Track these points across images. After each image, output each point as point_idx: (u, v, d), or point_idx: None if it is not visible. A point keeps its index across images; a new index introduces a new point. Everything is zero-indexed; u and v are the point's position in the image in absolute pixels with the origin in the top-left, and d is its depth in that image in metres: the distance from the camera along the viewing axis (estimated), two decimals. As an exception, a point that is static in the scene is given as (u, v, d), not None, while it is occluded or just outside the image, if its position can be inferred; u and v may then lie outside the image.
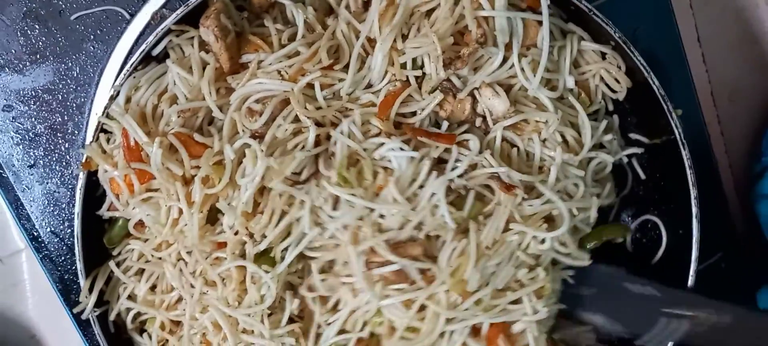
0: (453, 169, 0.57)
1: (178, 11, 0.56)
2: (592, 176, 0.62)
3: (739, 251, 0.73)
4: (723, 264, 0.72)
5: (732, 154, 0.81)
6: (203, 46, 0.57)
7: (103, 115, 0.58)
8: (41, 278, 0.68)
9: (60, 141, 0.66)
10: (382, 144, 0.56)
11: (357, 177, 0.56)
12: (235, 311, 0.57)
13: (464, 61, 0.57)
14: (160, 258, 0.60)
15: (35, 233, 0.67)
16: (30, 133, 0.66)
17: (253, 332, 0.59)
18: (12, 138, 0.66)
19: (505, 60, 0.58)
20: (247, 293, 0.58)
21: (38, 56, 0.65)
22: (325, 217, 0.57)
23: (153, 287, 0.61)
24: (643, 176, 0.66)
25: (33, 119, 0.66)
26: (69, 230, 0.67)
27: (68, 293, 0.67)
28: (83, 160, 0.58)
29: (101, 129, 0.58)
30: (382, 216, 0.57)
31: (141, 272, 0.61)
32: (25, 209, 0.67)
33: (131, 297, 0.62)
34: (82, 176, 0.59)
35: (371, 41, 0.57)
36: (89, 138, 0.59)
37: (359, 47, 0.57)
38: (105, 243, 0.62)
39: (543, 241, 0.58)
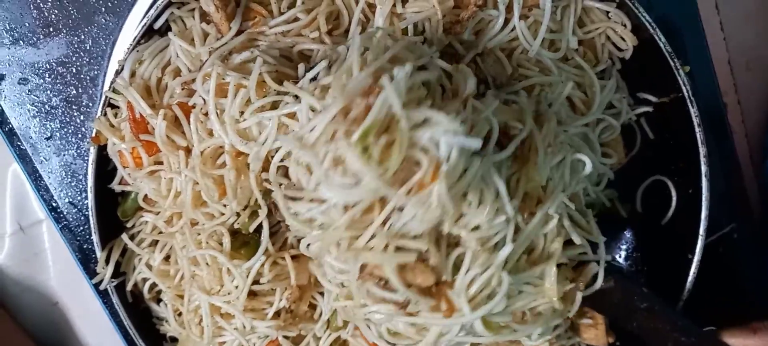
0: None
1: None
2: (599, 137, 0.61)
3: (752, 221, 0.73)
4: (735, 235, 0.71)
5: (749, 124, 0.79)
6: (204, 17, 0.57)
7: (109, 89, 0.58)
8: (62, 247, 0.70)
9: (75, 113, 0.67)
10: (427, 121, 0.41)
11: (383, 153, 0.41)
12: (212, 298, 0.58)
13: (464, 24, 0.56)
14: (172, 231, 0.61)
15: (54, 204, 0.68)
16: (46, 106, 0.67)
17: (234, 316, 0.59)
18: (28, 110, 0.67)
19: (506, 22, 0.57)
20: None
21: (51, 29, 0.65)
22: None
23: (167, 258, 0.62)
24: (651, 136, 0.65)
25: (48, 92, 0.66)
26: (86, 201, 0.67)
27: (87, 262, 0.69)
28: (92, 135, 0.59)
29: (108, 103, 0.59)
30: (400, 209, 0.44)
31: (155, 243, 0.62)
32: (44, 181, 0.68)
33: (148, 267, 0.63)
34: (93, 151, 0.60)
35: (371, 7, 0.57)
36: (99, 111, 0.60)
37: (359, 12, 0.56)
38: (119, 216, 0.63)
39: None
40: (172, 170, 0.57)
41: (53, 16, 0.65)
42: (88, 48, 0.66)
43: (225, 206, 0.56)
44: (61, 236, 0.69)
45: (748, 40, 0.79)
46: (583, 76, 0.60)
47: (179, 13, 0.58)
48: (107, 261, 0.62)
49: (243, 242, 0.57)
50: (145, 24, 0.57)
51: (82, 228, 0.69)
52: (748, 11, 0.79)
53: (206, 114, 0.55)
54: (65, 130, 0.67)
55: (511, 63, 0.58)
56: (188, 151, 0.57)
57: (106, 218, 0.62)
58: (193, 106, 0.56)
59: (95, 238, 0.61)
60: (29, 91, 0.66)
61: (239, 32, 0.57)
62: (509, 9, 0.57)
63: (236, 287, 0.57)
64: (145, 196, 0.61)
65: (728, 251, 0.71)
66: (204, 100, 0.55)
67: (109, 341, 0.73)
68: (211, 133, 0.55)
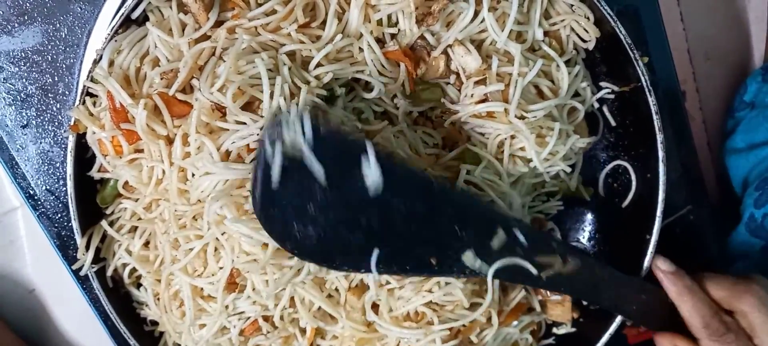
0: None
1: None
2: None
3: (707, 204, 0.77)
4: (692, 216, 0.75)
5: (706, 111, 0.83)
6: (182, 7, 0.58)
7: (87, 78, 0.58)
8: (38, 234, 0.70)
9: (51, 102, 0.67)
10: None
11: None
12: (196, 280, 0.59)
13: (435, 16, 0.58)
14: (152, 217, 0.62)
15: (31, 192, 0.69)
16: (21, 94, 0.67)
17: (214, 298, 0.60)
18: (4, 99, 0.67)
19: (476, 14, 0.58)
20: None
21: (26, 17, 0.65)
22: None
23: (147, 243, 0.63)
24: (613, 123, 0.69)
25: (24, 80, 0.66)
26: (64, 189, 0.68)
27: (66, 249, 0.69)
28: (71, 123, 0.59)
29: (87, 93, 0.59)
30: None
31: (134, 229, 0.63)
32: (21, 169, 0.68)
33: (127, 252, 0.63)
34: (71, 139, 0.60)
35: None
36: (78, 100, 0.60)
37: (336, 4, 0.57)
38: (98, 203, 0.63)
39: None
40: (153, 159, 0.58)
41: (28, 5, 0.65)
42: (63, 36, 0.66)
43: None
44: (39, 224, 0.69)
45: (708, 31, 0.83)
46: (550, 65, 0.63)
47: (157, 3, 0.58)
48: (87, 247, 0.63)
49: None
50: (123, 14, 0.57)
51: (59, 215, 0.69)
52: (707, 3, 0.83)
53: (223, 113, 0.56)
54: (41, 118, 0.67)
55: (481, 54, 0.60)
56: (169, 140, 0.58)
57: (85, 205, 0.62)
58: (191, 105, 0.57)
59: (75, 224, 0.62)
60: (4, 79, 0.66)
61: (217, 23, 0.57)
62: (479, 1, 0.58)
63: (221, 268, 0.58)
64: (125, 183, 0.61)
65: (685, 232, 0.74)
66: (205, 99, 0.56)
67: (87, 327, 0.74)
68: (214, 132, 0.56)
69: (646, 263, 0.65)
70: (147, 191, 0.59)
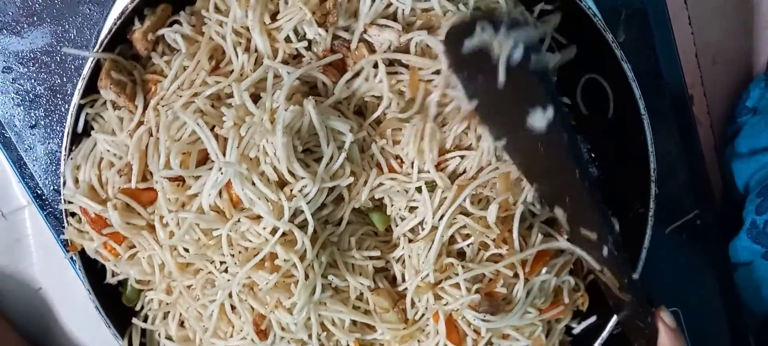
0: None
1: (78, 86, 0.57)
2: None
3: (713, 208, 0.76)
4: (698, 221, 0.75)
5: (714, 115, 0.83)
6: (115, 106, 0.59)
7: (63, 202, 0.60)
8: (44, 233, 0.71)
9: (60, 102, 0.67)
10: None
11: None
12: (229, 341, 0.60)
13: (333, 13, 0.56)
14: (175, 299, 0.62)
15: (39, 192, 0.69)
16: (30, 95, 0.67)
17: None
18: (12, 99, 0.67)
19: None
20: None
21: (35, 18, 0.65)
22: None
23: (182, 323, 0.64)
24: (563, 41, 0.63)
25: (33, 81, 0.67)
26: (72, 189, 0.69)
27: (73, 248, 0.70)
28: (69, 245, 0.61)
29: (69, 213, 0.61)
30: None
31: (166, 314, 0.64)
32: (29, 169, 0.69)
33: (169, 338, 0.64)
34: (77, 257, 0.61)
35: (245, 31, 0.57)
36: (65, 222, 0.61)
37: (231, 43, 0.57)
38: (125, 303, 0.64)
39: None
40: (146, 249, 0.59)
41: (37, 6, 0.65)
42: (72, 37, 0.66)
43: (210, 257, 0.58)
44: (46, 223, 0.70)
45: (715, 35, 0.83)
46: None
47: (94, 111, 0.59)
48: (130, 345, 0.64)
49: None
50: (69, 133, 0.59)
51: (67, 215, 0.70)
52: (715, 7, 0.83)
53: (182, 181, 0.57)
54: (50, 118, 0.68)
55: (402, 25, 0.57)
56: (151, 227, 0.58)
57: (116, 307, 0.63)
58: (155, 190, 0.58)
59: (111, 331, 0.63)
60: (13, 79, 0.67)
61: (146, 106, 0.58)
62: None
63: (244, 322, 0.59)
64: (136, 279, 0.62)
65: (691, 237, 0.74)
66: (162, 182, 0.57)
67: (92, 326, 0.74)
68: (186, 203, 0.57)
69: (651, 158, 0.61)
70: (156, 279, 0.60)
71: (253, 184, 0.54)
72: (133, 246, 0.60)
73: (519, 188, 0.60)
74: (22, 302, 0.76)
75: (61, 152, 0.67)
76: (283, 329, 0.59)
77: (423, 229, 0.61)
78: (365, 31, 0.58)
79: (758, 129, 0.77)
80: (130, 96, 0.57)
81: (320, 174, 0.56)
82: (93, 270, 0.62)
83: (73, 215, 0.61)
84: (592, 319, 0.67)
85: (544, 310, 0.64)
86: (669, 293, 0.75)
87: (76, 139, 0.59)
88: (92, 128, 0.60)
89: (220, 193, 0.56)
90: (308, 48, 0.58)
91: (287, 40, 0.57)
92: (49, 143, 0.68)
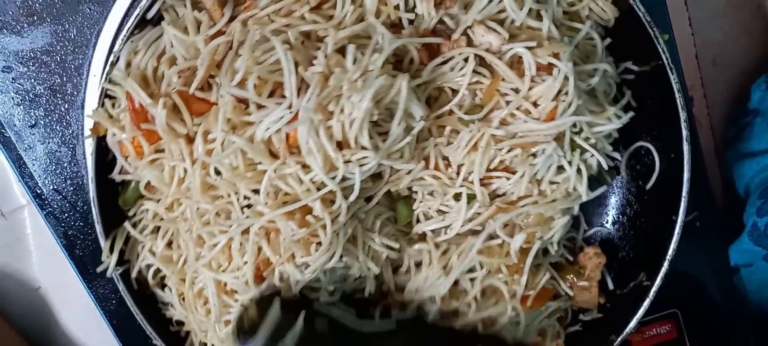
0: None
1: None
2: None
3: (713, 210, 0.76)
4: (698, 223, 0.74)
5: (714, 117, 0.83)
6: (196, 4, 0.58)
7: (105, 80, 0.58)
8: (44, 233, 0.71)
9: (59, 102, 0.67)
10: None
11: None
12: (220, 275, 0.59)
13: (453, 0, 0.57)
14: (174, 217, 0.61)
15: (38, 191, 0.69)
16: (30, 94, 0.67)
17: (236, 292, 0.61)
18: (12, 98, 0.67)
19: None
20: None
21: (35, 18, 0.65)
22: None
23: (169, 243, 0.63)
24: (634, 104, 0.66)
25: (32, 80, 0.67)
26: (71, 188, 0.69)
27: (72, 248, 0.70)
28: (92, 126, 0.59)
29: (105, 95, 0.59)
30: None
31: (157, 229, 0.63)
32: (28, 168, 0.68)
33: (151, 253, 0.63)
34: (91, 142, 0.60)
35: None
36: (89, 100, 0.60)
37: None
38: (120, 205, 0.63)
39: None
40: (175, 158, 0.58)
41: (37, 5, 0.65)
42: (72, 37, 0.66)
43: (236, 187, 0.57)
44: (46, 223, 0.70)
45: (716, 36, 0.83)
46: (575, 35, 0.60)
47: (171, 2, 0.58)
48: (111, 250, 0.63)
49: None
50: (138, 14, 0.57)
51: (66, 215, 0.69)
52: (716, 9, 0.83)
53: (246, 105, 0.55)
54: (50, 118, 0.68)
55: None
56: (189, 138, 0.58)
57: (106, 208, 0.62)
58: (214, 103, 0.57)
59: (98, 228, 0.61)
60: (13, 79, 0.67)
61: (231, 18, 0.57)
62: None
63: (245, 263, 0.58)
64: (147, 184, 0.61)
65: (691, 239, 0.74)
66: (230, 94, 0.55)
67: (92, 326, 0.74)
68: (238, 127, 0.56)
69: (672, 245, 0.64)
70: (169, 190, 0.59)
71: (318, 135, 0.54)
72: (159, 151, 0.59)
73: (548, 225, 0.63)
74: (22, 302, 0.76)
75: (61, 151, 0.68)
76: (281, 280, 0.59)
77: (445, 233, 0.62)
78: (471, 26, 0.58)
79: (759, 131, 0.77)
80: (221, 2, 0.56)
81: (384, 150, 0.55)
82: (101, 161, 0.61)
83: (110, 97, 0.59)
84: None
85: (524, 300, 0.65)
86: (668, 294, 0.75)
87: (142, 25, 0.58)
88: (161, 19, 0.58)
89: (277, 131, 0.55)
90: (411, 22, 0.58)
91: (396, 7, 0.57)
92: (48, 143, 0.68)
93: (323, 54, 0.54)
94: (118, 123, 0.59)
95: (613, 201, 0.71)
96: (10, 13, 0.65)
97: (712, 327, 0.78)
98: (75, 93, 0.67)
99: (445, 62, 0.59)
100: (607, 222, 0.72)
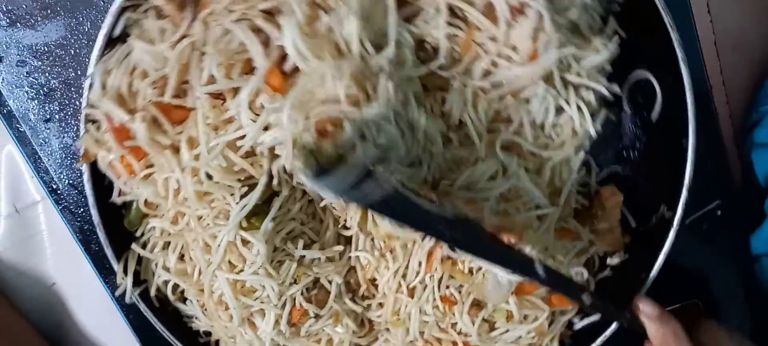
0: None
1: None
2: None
3: (735, 198, 0.76)
4: (719, 212, 0.74)
5: (733, 105, 0.82)
6: (159, 13, 0.57)
7: (87, 106, 0.58)
8: (58, 228, 0.71)
9: (74, 96, 0.67)
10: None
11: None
12: (238, 275, 0.59)
13: None
14: (179, 229, 0.61)
15: (54, 186, 0.69)
16: (45, 88, 0.67)
17: (256, 290, 0.61)
18: (27, 93, 0.67)
19: None
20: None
21: (49, 11, 0.65)
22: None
23: (182, 257, 0.63)
24: (622, 34, 0.64)
25: (47, 74, 0.66)
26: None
27: (88, 243, 0.70)
28: (82, 154, 0.59)
29: (87, 119, 0.59)
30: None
31: (167, 245, 0.63)
32: (43, 163, 0.68)
33: (165, 269, 0.63)
34: (86, 169, 0.60)
35: None
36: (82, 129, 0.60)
37: None
38: (127, 227, 0.63)
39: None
40: (165, 170, 0.58)
41: (51, -1, 0.65)
42: (86, 30, 0.66)
43: (231, 187, 0.57)
44: (62, 218, 0.70)
45: (735, 23, 0.81)
46: None
47: (135, 16, 0.58)
48: (125, 272, 0.63)
49: (251, 215, 0.58)
50: (106, 35, 0.57)
51: (82, 209, 0.69)
52: (735, -4, 0.82)
53: (222, 100, 0.55)
54: (64, 112, 0.67)
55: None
56: (174, 148, 0.57)
57: (115, 232, 0.62)
58: (192, 107, 0.56)
59: (108, 252, 0.62)
60: (27, 73, 0.66)
61: (194, 19, 0.57)
62: None
63: (257, 255, 0.58)
64: (146, 201, 0.61)
65: (712, 228, 0.73)
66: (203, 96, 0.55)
67: (107, 321, 0.74)
68: (220, 127, 0.56)
69: (687, 172, 0.62)
70: (167, 204, 0.59)
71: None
72: (150, 166, 0.59)
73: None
74: (36, 298, 0.76)
75: (76, 145, 0.68)
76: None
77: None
78: None
79: (780, 119, 0.75)
80: (178, 5, 0.56)
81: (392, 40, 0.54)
82: (99, 186, 0.61)
83: (93, 122, 0.59)
84: (596, 317, 0.67)
85: (552, 299, 0.64)
86: (689, 283, 0.75)
87: (111, 44, 0.58)
88: (128, 35, 0.58)
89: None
90: None
91: None
92: (64, 137, 0.68)
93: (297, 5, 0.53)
94: (105, 145, 0.59)
95: (623, 137, 0.69)
96: (24, 6, 0.65)
97: (733, 316, 0.77)
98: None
99: (417, 15, 0.57)
100: (618, 161, 0.70)
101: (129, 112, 0.56)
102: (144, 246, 0.63)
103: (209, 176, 0.57)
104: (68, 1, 0.65)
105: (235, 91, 0.55)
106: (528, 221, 0.61)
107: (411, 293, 0.64)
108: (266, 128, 0.55)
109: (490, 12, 0.56)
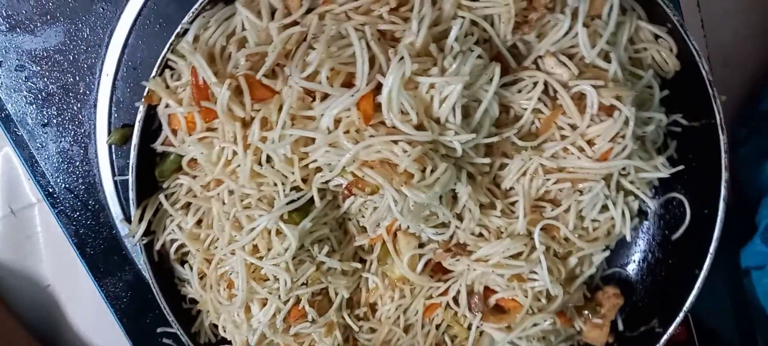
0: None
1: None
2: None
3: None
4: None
5: (724, 118, 0.82)
6: None
7: (169, 51, 0.58)
8: (54, 230, 0.71)
9: (72, 101, 0.67)
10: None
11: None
12: (259, 261, 0.60)
13: (531, 26, 0.57)
14: (209, 196, 0.61)
15: (50, 190, 0.69)
16: (43, 93, 0.67)
17: (268, 279, 0.61)
18: (25, 97, 0.67)
19: (570, 28, 0.58)
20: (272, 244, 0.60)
21: (49, 17, 0.65)
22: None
23: (199, 222, 0.63)
24: (675, 156, 0.67)
25: (45, 79, 0.67)
26: (83, 187, 0.69)
27: (84, 247, 0.70)
28: (145, 94, 0.59)
29: (165, 65, 0.59)
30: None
31: (187, 205, 0.63)
32: (40, 167, 0.68)
33: (178, 229, 0.63)
34: (142, 109, 0.60)
35: None
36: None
37: None
38: (156, 175, 0.63)
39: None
40: (226, 139, 0.58)
41: (51, 4, 0.65)
42: (85, 36, 0.66)
43: (285, 177, 0.58)
44: (58, 221, 0.70)
45: (727, 38, 0.82)
46: (637, 81, 0.62)
47: None
48: (140, 219, 0.63)
49: (293, 210, 0.59)
50: None
51: (78, 213, 0.70)
52: (728, 10, 0.82)
53: (313, 98, 0.56)
54: (62, 117, 0.68)
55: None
56: (244, 123, 0.58)
57: (141, 177, 0.62)
58: (278, 91, 0.57)
59: (132, 195, 0.62)
60: (26, 78, 0.67)
61: (308, 10, 0.57)
62: (574, 16, 0.57)
63: (287, 249, 0.59)
64: (191, 160, 0.61)
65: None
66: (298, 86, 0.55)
67: (100, 323, 0.74)
68: (298, 120, 0.56)
69: (690, 299, 0.65)
70: (214, 170, 0.59)
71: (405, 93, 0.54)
72: (211, 129, 0.59)
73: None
74: (31, 299, 0.77)
75: (73, 150, 0.68)
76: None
77: None
78: (542, 56, 0.59)
79: (771, 133, 0.76)
80: None
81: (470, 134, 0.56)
82: (147, 130, 0.61)
83: (169, 68, 0.59)
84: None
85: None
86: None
87: (214, 2, 0.58)
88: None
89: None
90: (486, 40, 0.59)
91: (474, 22, 0.57)
92: (61, 142, 0.68)
93: (405, 44, 0.54)
94: (176, 96, 0.59)
95: (637, 246, 0.72)
96: (24, 12, 0.65)
97: (722, 330, 0.77)
98: (87, 92, 0.67)
99: (513, 83, 0.60)
100: (627, 265, 0.73)
101: (215, 74, 0.56)
102: (166, 199, 0.63)
103: (268, 160, 0.58)
104: (68, 8, 0.65)
105: (326, 96, 0.55)
106: (532, 302, 0.64)
107: (406, 329, 0.67)
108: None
109: (577, 102, 0.59)
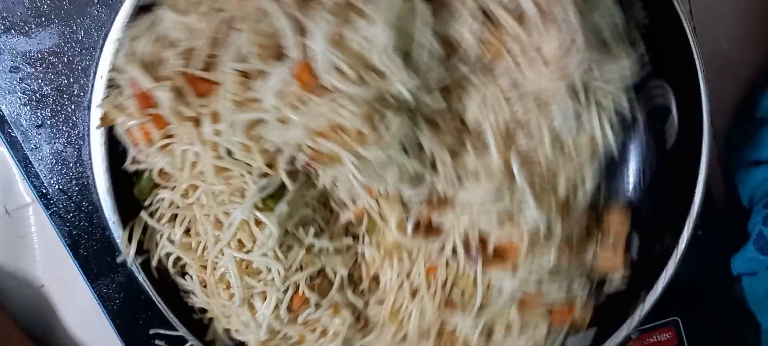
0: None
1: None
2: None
3: (716, 219, 0.76)
4: (700, 232, 0.74)
5: (718, 125, 0.83)
6: None
7: (110, 69, 0.58)
8: (48, 231, 0.71)
9: (66, 103, 0.67)
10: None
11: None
12: (246, 255, 0.60)
13: None
14: (189, 203, 0.61)
15: (44, 191, 0.69)
16: (37, 95, 0.67)
17: (260, 272, 0.61)
18: (19, 99, 0.67)
19: None
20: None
21: (43, 19, 0.66)
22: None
23: (187, 231, 0.63)
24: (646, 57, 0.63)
25: (40, 81, 0.67)
26: (77, 188, 0.69)
27: (77, 248, 0.70)
28: (101, 117, 0.59)
29: (110, 85, 0.59)
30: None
31: (174, 217, 0.63)
32: (34, 168, 0.69)
33: (170, 242, 0.63)
34: (102, 134, 0.60)
35: None
36: (96, 101, 0.60)
37: None
38: (135, 195, 0.63)
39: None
40: (184, 142, 0.58)
41: (46, 6, 0.65)
42: (80, 39, 0.66)
43: (250, 166, 0.58)
44: (51, 223, 0.70)
45: (720, 45, 0.83)
46: None
47: None
48: (129, 240, 0.63)
49: (267, 196, 0.59)
50: (136, 4, 0.58)
51: (71, 215, 0.70)
52: (721, 16, 0.83)
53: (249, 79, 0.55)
54: (56, 119, 0.68)
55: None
56: (196, 121, 0.57)
57: (121, 199, 0.63)
58: (218, 83, 0.56)
59: (114, 217, 0.62)
60: (20, 79, 0.67)
61: None
62: None
63: (269, 237, 0.58)
64: (160, 171, 0.61)
65: (693, 248, 0.74)
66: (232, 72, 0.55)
67: (94, 324, 0.74)
68: (244, 104, 0.55)
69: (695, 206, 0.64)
70: (182, 176, 0.59)
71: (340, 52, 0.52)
72: (169, 136, 0.59)
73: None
74: (24, 300, 0.76)
75: (67, 151, 0.68)
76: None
77: None
78: None
79: (765, 139, 0.76)
80: None
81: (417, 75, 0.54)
82: (113, 152, 0.61)
83: (115, 86, 0.59)
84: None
85: (553, 315, 0.65)
86: (669, 302, 0.75)
87: (139, 14, 0.58)
88: (154, 5, 0.58)
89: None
90: None
91: None
92: (55, 143, 0.68)
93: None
94: (126, 111, 0.59)
95: (630, 165, 0.69)
96: (18, 13, 0.65)
97: (712, 335, 0.78)
98: (82, 94, 0.67)
99: (450, 15, 0.57)
100: (625, 187, 0.70)
101: (154, 79, 0.56)
102: (151, 216, 0.63)
103: (229, 153, 0.57)
104: (63, 10, 0.66)
105: (263, 74, 0.54)
106: (533, 236, 0.62)
107: (413, 294, 0.65)
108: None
109: (522, 20, 0.57)
